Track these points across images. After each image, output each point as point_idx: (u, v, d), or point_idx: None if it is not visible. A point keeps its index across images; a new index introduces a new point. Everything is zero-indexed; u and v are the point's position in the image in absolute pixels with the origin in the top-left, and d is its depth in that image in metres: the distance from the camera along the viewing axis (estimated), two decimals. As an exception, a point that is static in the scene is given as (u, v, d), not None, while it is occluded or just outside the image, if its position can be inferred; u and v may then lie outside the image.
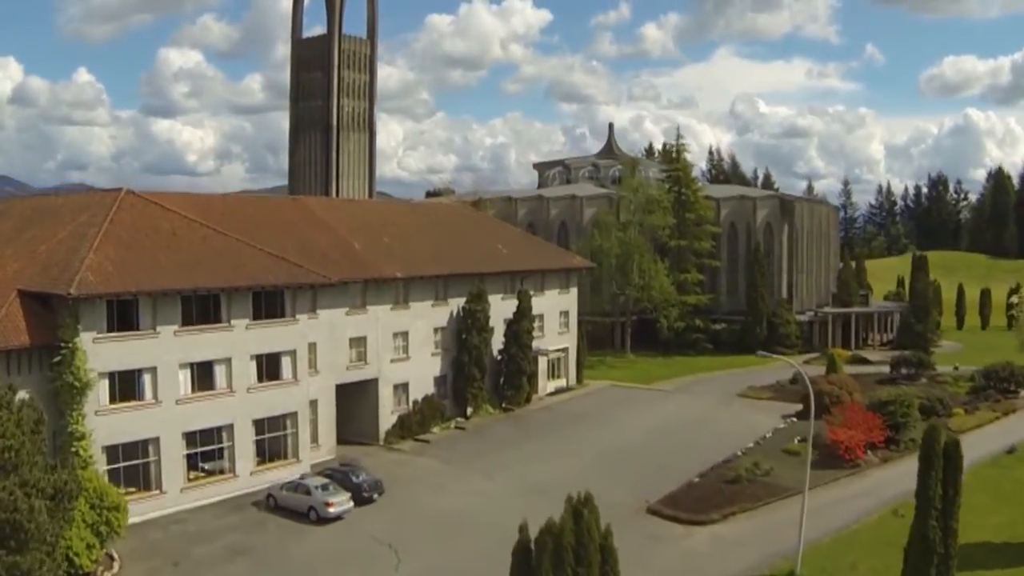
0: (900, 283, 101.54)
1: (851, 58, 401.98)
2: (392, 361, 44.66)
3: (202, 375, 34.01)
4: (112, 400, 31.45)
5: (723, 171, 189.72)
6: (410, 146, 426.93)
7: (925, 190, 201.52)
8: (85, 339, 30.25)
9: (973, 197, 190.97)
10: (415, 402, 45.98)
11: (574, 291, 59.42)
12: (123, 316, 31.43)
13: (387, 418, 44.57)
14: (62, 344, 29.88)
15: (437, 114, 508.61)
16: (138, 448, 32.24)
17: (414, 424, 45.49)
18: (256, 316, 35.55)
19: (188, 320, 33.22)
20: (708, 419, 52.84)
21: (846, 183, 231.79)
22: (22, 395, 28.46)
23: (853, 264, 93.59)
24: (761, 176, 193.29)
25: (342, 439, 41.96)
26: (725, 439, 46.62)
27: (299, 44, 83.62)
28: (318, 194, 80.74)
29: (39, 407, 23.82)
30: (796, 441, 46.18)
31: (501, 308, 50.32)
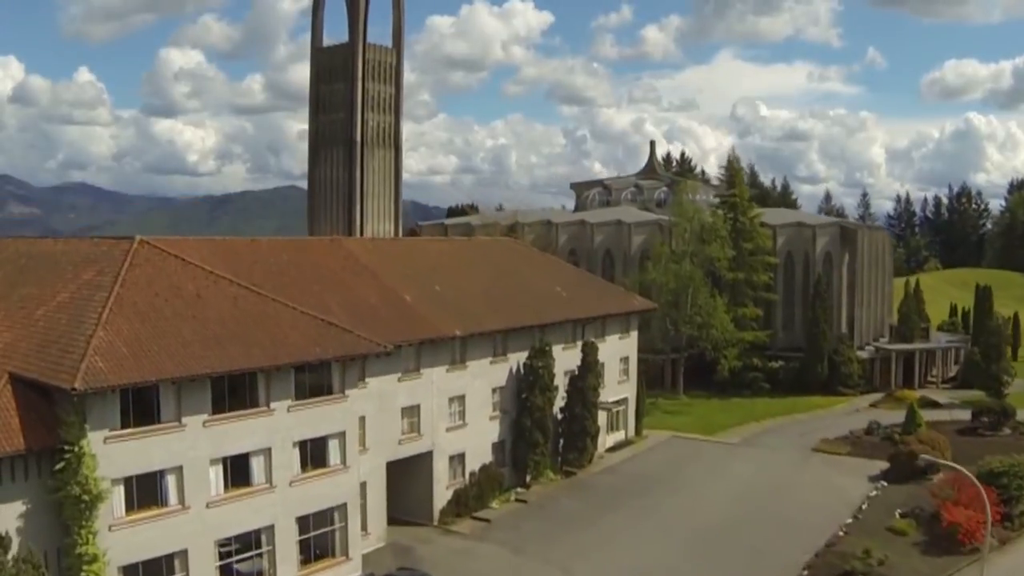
0: (953, 311, 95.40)
1: (852, 61, 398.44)
2: (448, 430, 38.37)
3: (237, 471, 27.63)
4: (129, 510, 25.03)
5: (741, 181, 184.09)
6: (411, 147, 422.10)
7: (945, 200, 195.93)
8: (94, 439, 23.84)
9: (993, 207, 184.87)
10: (471, 473, 39.76)
11: (634, 334, 53.28)
12: (141, 407, 25.01)
13: (442, 494, 38.32)
14: (66, 447, 23.46)
15: (438, 115, 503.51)
16: (163, 566, 25.85)
17: (471, 499, 39.30)
18: (299, 395, 29.17)
19: (220, 406, 26.82)
20: (790, 483, 46.89)
21: (864, 194, 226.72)
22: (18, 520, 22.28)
23: (909, 291, 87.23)
24: (779, 186, 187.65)
25: (391, 518, 35.75)
26: (818, 511, 41.16)
27: (319, 53, 77.11)
28: (340, 214, 74.40)
29: (39, 561, 17.46)
30: (898, 515, 40.55)
31: (562, 359, 44.16)
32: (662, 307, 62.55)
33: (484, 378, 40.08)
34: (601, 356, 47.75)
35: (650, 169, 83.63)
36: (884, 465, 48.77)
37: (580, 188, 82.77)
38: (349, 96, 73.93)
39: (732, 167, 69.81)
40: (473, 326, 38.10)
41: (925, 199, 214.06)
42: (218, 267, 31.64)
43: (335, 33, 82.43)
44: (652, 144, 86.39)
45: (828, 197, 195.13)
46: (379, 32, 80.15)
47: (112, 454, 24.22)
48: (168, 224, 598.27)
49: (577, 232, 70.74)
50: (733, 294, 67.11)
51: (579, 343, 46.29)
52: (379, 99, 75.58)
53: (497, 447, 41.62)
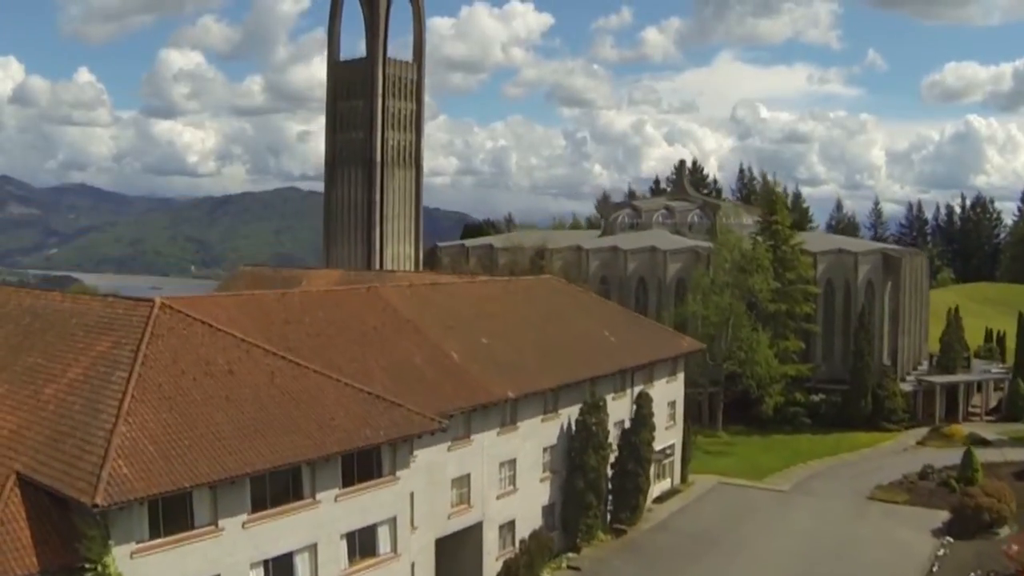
0: (989, 335, 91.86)
1: (852, 63, 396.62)
2: (498, 497, 34.86)
3: (279, 572, 24.07)
4: (158, 630, 21.48)
5: (754, 191, 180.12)
6: None
7: (958, 209, 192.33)
8: (120, 555, 20.28)
9: (1007, 216, 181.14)
10: (521, 541, 36.24)
11: (681, 376, 49.88)
12: (172, 513, 21.42)
13: (491, 566, 34.88)
14: (86, 566, 19.90)
15: (439, 117, 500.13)
16: None
17: (521, 568, 35.75)
18: (347, 482, 25.61)
19: (260, 504, 23.24)
20: (852, 539, 43.70)
21: (876, 203, 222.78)
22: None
23: (950, 319, 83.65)
24: (790, 195, 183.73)
25: (435, 595, 32.24)
26: (886, 573, 38.60)
27: (337, 68, 73.46)
28: (358, 236, 70.73)
29: None
30: (975, 577, 37.68)
31: (612, 410, 40.78)
32: (701, 340, 59.15)
33: (535, 438, 36.60)
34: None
35: (680, 189, 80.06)
36: (945, 515, 45.89)
37: (608, 209, 79.15)
38: (368, 113, 70.27)
39: (770, 190, 66.14)
40: (526, 385, 34.59)
41: (937, 207, 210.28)
42: (248, 329, 28.13)
43: (346, 42, 79.42)
44: (682, 164, 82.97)
45: (839, 206, 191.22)
46: (392, 44, 76.19)
47: (141, 570, 20.66)
48: (168, 225, 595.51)
49: (609, 259, 67.17)
50: (774, 326, 63.60)
51: (629, 391, 42.95)
52: (399, 116, 71.92)
53: (547, 510, 38.18)
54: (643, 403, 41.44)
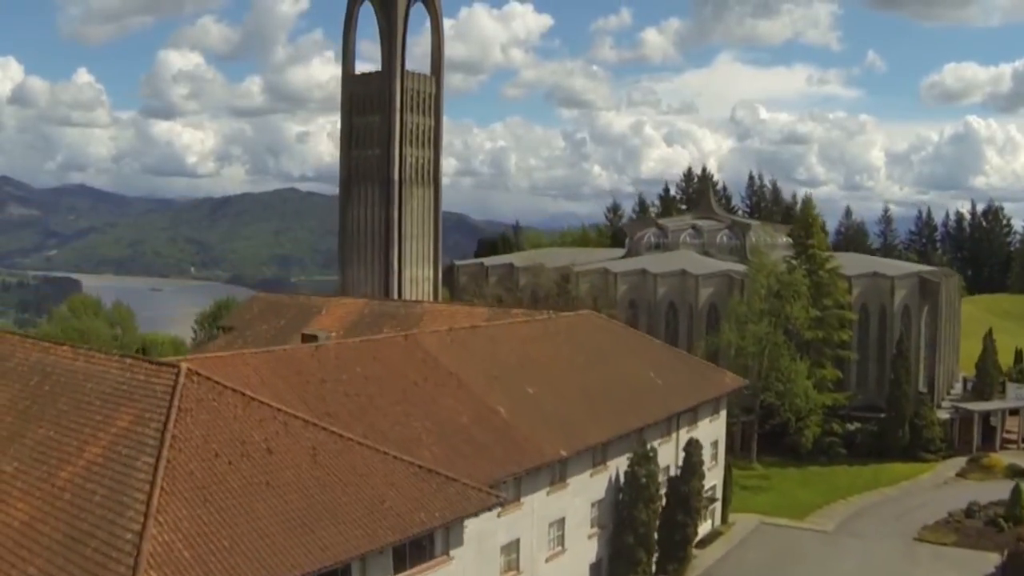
0: (1019, 356, 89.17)
1: (852, 64, 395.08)
2: (547, 560, 32.25)
3: (322, 677, 21.42)
4: None
5: (764, 198, 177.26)
6: None
7: (968, 217, 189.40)
8: None
9: (1016, 221, 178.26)
10: (567, 606, 33.65)
11: (723, 415, 47.38)
12: (210, 624, 18.75)
13: (537, 634, 32.23)
14: None
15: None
16: None
17: (566, 635, 33.25)
18: (398, 568, 22.99)
19: (306, 604, 20.60)
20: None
21: (886, 209, 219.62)
22: None
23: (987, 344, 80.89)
24: (800, 203, 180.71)
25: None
26: None
27: (352, 81, 70.59)
28: (376, 257, 67.88)
29: None
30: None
31: (659, 456, 38.13)
32: (734, 369, 56.63)
33: (584, 494, 34.03)
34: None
35: (706, 207, 77.45)
36: (996, 558, 43.96)
37: (633, 228, 76.37)
38: (386, 129, 67.48)
39: (808, 213, 63.53)
40: (577, 440, 32.00)
41: (947, 213, 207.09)
42: (281, 391, 25.51)
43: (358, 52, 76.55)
44: (709, 180, 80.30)
45: (848, 213, 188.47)
46: (412, 59, 73.37)
47: None
48: (167, 226, 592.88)
49: (637, 282, 64.50)
50: (810, 354, 60.99)
51: (675, 435, 40.43)
52: (418, 132, 69.11)
53: (594, 568, 35.62)
54: (693, 451, 38.87)
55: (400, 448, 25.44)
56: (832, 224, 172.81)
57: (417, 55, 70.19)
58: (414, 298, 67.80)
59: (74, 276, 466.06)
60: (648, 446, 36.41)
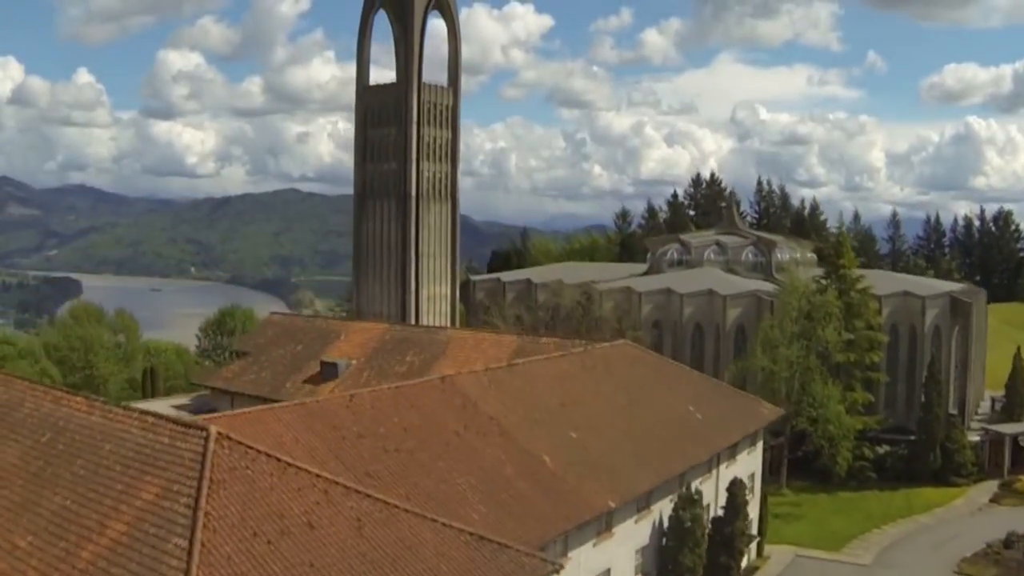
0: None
1: (852, 65, 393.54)
2: (590, 617, 30.48)
3: None
4: None
5: (773, 204, 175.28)
6: None
7: (977, 222, 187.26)
8: None
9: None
10: (611, 662, 31.84)
11: (760, 446, 45.63)
12: None
13: None
14: None
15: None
16: None
17: None
18: (450, 649, 21.17)
19: None
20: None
21: (894, 214, 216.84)
22: None
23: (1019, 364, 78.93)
24: (808, 208, 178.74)
25: None
26: None
27: (367, 93, 68.59)
28: (392, 275, 65.87)
29: None
30: None
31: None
32: (763, 393, 54.88)
33: (629, 542, 32.28)
34: (728, 479, 40.36)
35: (730, 223, 75.56)
36: (1041, 596, 42.95)
37: (655, 243, 74.52)
38: (402, 143, 65.51)
39: (841, 237, 61.66)
40: (624, 489, 30.25)
41: (955, 219, 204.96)
42: (317, 448, 23.74)
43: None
44: (731, 196, 78.61)
45: (856, 218, 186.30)
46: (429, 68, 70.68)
47: None
48: (167, 226, 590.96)
49: (662, 302, 62.66)
50: (840, 377, 59.17)
51: (715, 472, 38.64)
52: (435, 145, 67.15)
53: (635, 619, 33.82)
54: (737, 491, 37.13)
55: (446, 510, 23.66)
56: (831, 223, 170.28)
57: (428, 60, 67.73)
58: (431, 316, 66.03)
59: (74, 276, 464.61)
60: (693, 488, 34.69)
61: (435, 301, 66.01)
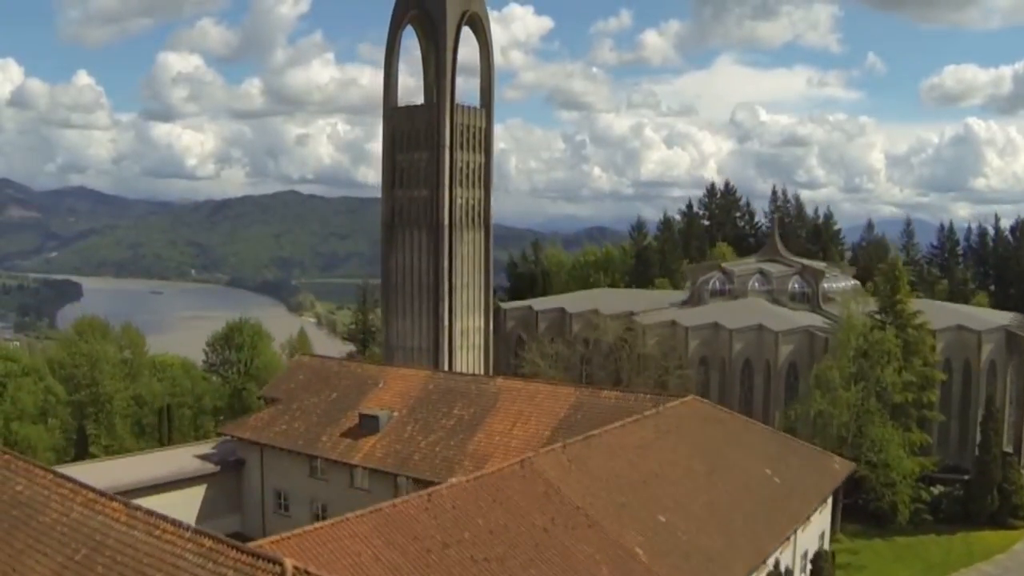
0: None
1: (852, 66, 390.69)
2: None
3: None
4: None
5: (787, 213, 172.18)
6: None
7: (992, 231, 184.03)
8: None
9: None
10: None
11: (830, 502, 42.88)
12: None
13: None
14: None
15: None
16: None
17: None
18: None
19: None
20: None
21: (908, 222, 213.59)
22: None
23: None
24: (821, 216, 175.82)
25: None
26: None
27: (395, 114, 65.53)
28: (424, 308, 62.69)
29: None
30: None
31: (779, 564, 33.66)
32: (821, 440, 52.09)
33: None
34: (803, 543, 37.63)
35: (772, 250, 72.63)
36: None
37: (695, 272, 71.53)
38: (435, 168, 62.45)
39: (898, 271, 58.69)
40: (717, 573, 27.37)
41: (968, 227, 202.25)
42: (400, 565, 21.22)
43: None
44: (775, 219, 75.55)
45: (870, 226, 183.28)
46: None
47: None
48: (167, 228, 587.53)
49: (709, 337, 59.73)
50: (897, 417, 56.34)
51: (793, 538, 35.80)
52: (468, 170, 64.11)
53: None
54: (824, 565, 34.50)
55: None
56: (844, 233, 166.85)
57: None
58: (464, 351, 63.04)
59: (74, 279, 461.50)
60: (782, 568, 31.84)
61: (468, 335, 63.03)
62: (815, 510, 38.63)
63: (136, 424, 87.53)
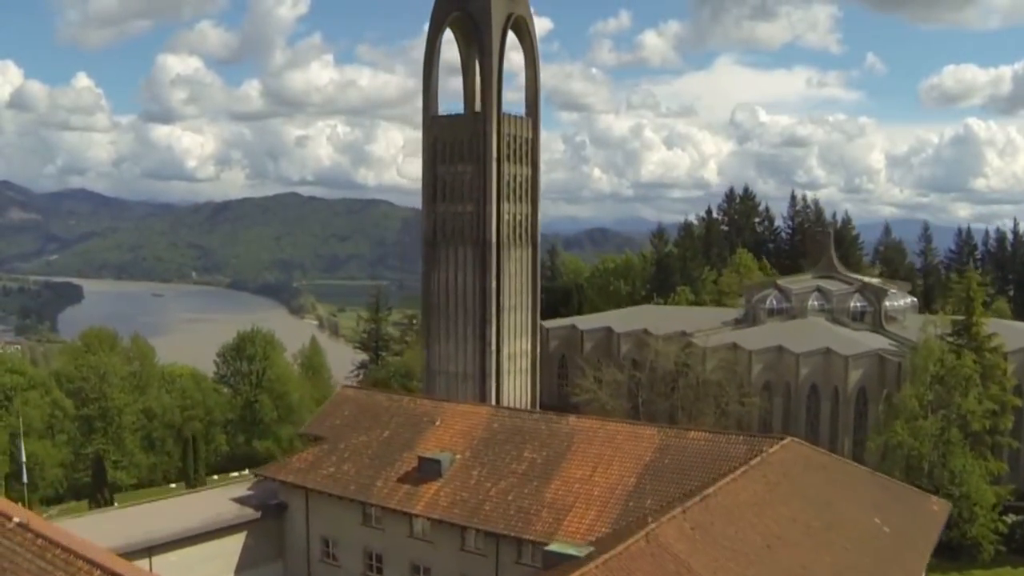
0: None
1: (852, 67, 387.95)
2: None
3: None
4: None
5: (807, 218, 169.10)
6: (409, 152, 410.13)
7: (1010, 236, 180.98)
8: None
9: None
10: None
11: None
12: None
13: None
14: None
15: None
16: None
17: None
18: None
19: None
20: None
21: (926, 227, 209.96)
22: None
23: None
24: (840, 220, 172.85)
25: None
26: None
27: (435, 124, 62.42)
28: (469, 330, 59.35)
29: None
30: None
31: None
32: (901, 473, 49.15)
33: None
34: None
35: (828, 266, 69.58)
36: None
37: (751, 291, 68.29)
38: (481, 182, 59.23)
39: (970, 287, 55.73)
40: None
41: (986, 232, 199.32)
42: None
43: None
44: (830, 235, 72.55)
45: (887, 230, 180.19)
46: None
47: None
48: (168, 230, 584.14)
49: (773, 361, 56.71)
50: (974, 446, 53.45)
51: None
52: (515, 184, 60.91)
53: None
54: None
55: None
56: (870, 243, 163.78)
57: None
58: (512, 376, 59.80)
59: (75, 281, 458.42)
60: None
61: (515, 359, 59.81)
62: (926, 562, 35.59)
63: (146, 438, 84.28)
